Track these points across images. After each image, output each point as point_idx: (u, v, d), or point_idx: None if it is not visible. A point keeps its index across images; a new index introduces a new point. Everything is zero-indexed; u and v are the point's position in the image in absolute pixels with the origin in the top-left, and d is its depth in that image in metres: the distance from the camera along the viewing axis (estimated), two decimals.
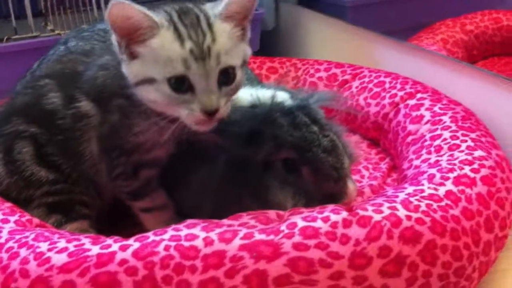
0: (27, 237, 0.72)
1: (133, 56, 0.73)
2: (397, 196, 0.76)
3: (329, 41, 1.54)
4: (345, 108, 1.04)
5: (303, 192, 0.81)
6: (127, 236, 0.89)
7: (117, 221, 0.92)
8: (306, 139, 0.80)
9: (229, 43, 0.73)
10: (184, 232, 0.69)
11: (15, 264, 0.69)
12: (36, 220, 0.80)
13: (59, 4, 1.31)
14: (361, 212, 0.71)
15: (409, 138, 1.00)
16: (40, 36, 1.35)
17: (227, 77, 0.73)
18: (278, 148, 0.80)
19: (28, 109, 0.85)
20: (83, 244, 0.69)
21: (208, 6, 0.75)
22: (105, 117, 0.80)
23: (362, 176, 1.04)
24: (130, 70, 0.74)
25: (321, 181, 0.81)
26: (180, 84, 0.71)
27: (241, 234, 0.68)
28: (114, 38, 0.74)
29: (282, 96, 0.84)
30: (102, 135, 0.81)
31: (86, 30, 0.99)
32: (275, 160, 0.81)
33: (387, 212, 0.72)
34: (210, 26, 0.72)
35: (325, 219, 0.69)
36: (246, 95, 0.83)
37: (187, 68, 0.70)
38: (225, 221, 0.72)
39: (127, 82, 0.75)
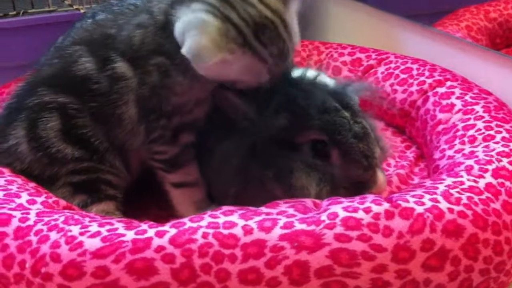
0: (56, 219, 0.70)
1: None
2: (436, 188, 0.74)
3: (350, 24, 1.51)
4: (380, 100, 1.02)
5: (329, 179, 0.79)
6: (150, 219, 0.89)
7: (141, 204, 0.91)
8: (335, 123, 0.78)
9: (296, 27, 0.76)
10: (221, 219, 0.67)
11: (45, 248, 0.67)
12: (63, 202, 0.78)
13: None
14: (403, 204, 0.69)
15: (440, 127, 0.98)
16: (57, 10, 1.32)
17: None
18: (305, 129, 0.78)
19: (56, 79, 0.82)
20: (116, 229, 0.67)
21: None
22: (143, 78, 0.78)
23: (389, 165, 1.02)
24: (206, 73, 0.74)
25: (350, 168, 0.79)
26: None
27: (280, 223, 0.66)
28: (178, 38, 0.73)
29: (326, 80, 0.83)
30: (141, 97, 0.79)
31: (115, 4, 0.96)
32: (304, 142, 0.80)
33: (429, 204, 0.70)
34: (288, 31, 0.74)
35: (367, 210, 0.67)
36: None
37: (271, 71, 0.74)
38: (263, 209, 0.70)
39: (174, 44, 0.73)
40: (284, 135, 0.80)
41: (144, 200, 0.92)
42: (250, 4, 0.72)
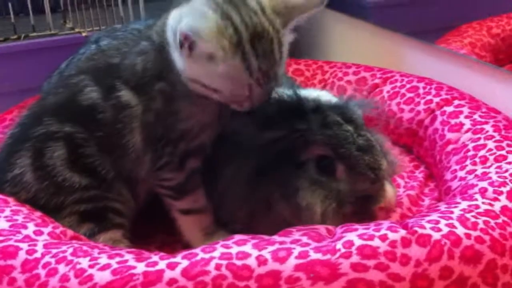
0: (64, 251, 0.69)
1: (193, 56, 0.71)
2: (452, 212, 0.72)
3: (352, 43, 1.51)
4: (384, 116, 1.01)
5: (335, 195, 0.78)
6: (157, 245, 0.87)
7: (147, 229, 0.89)
8: (337, 137, 0.78)
9: (286, 54, 0.74)
10: (234, 249, 0.65)
11: (54, 282, 0.65)
12: (70, 232, 0.76)
13: (80, 1, 1.26)
14: (420, 230, 0.67)
15: (449, 147, 0.97)
16: (58, 34, 1.31)
17: (277, 83, 0.75)
18: (308, 145, 0.78)
19: (61, 108, 0.81)
20: (126, 261, 0.66)
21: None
22: (148, 105, 0.78)
23: (398, 185, 1.01)
24: (190, 70, 0.73)
25: (357, 182, 0.78)
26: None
27: (295, 252, 0.64)
28: (171, 30, 0.73)
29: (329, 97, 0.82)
30: (146, 124, 0.78)
31: (119, 29, 0.95)
32: (308, 159, 0.79)
33: (445, 230, 0.68)
34: (281, 52, 0.73)
35: (383, 238, 0.66)
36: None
37: (251, 91, 0.72)
38: (276, 237, 0.68)
39: (171, 67, 0.74)
40: (287, 152, 0.79)
41: (151, 226, 0.90)
42: (253, 12, 0.71)
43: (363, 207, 0.78)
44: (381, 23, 1.44)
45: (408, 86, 1.15)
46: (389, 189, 0.80)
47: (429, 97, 1.09)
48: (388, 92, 1.16)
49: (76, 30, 1.26)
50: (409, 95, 1.13)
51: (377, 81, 1.21)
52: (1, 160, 0.84)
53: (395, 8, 1.53)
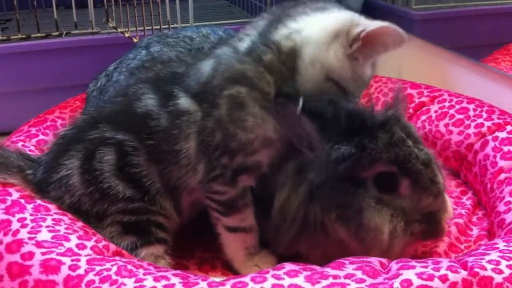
0: (108, 269, 0.67)
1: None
2: None
3: (397, 56, 1.46)
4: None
5: (400, 213, 0.76)
6: (196, 262, 0.85)
7: (185, 245, 0.87)
8: (404, 154, 0.76)
9: None
10: (286, 281, 0.63)
11: None
12: (112, 247, 0.74)
13: None
14: (481, 272, 0.64)
15: (502, 176, 0.93)
16: (100, 32, 1.29)
17: None
18: (372, 162, 0.75)
19: (117, 115, 0.80)
20: (173, 285, 0.64)
21: None
22: (209, 111, 0.75)
23: None
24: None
25: (421, 197, 0.76)
26: None
27: None
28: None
29: None
30: (203, 129, 0.75)
31: (170, 36, 0.92)
32: (367, 177, 0.76)
33: (507, 272, 0.65)
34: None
35: (443, 279, 0.63)
36: None
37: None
38: (329, 270, 0.65)
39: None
40: (348, 170, 0.76)
41: (189, 241, 0.88)
42: None
43: (429, 224, 0.77)
44: (427, 37, 1.41)
45: (457, 106, 1.11)
46: (448, 199, 0.79)
47: (480, 120, 1.05)
48: (436, 111, 1.12)
49: (119, 30, 1.24)
50: (458, 116, 1.09)
51: (424, 99, 1.17)
52: (49, 160, 0.83)
53: (442, 21, 1.49)
